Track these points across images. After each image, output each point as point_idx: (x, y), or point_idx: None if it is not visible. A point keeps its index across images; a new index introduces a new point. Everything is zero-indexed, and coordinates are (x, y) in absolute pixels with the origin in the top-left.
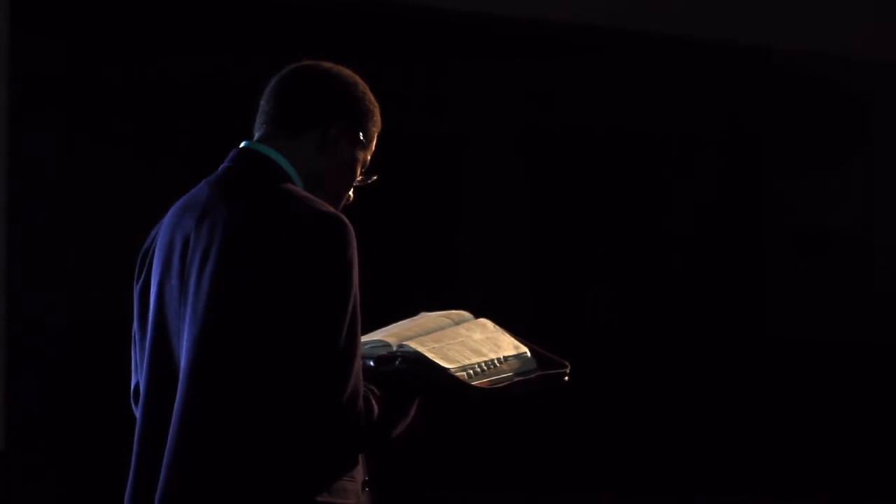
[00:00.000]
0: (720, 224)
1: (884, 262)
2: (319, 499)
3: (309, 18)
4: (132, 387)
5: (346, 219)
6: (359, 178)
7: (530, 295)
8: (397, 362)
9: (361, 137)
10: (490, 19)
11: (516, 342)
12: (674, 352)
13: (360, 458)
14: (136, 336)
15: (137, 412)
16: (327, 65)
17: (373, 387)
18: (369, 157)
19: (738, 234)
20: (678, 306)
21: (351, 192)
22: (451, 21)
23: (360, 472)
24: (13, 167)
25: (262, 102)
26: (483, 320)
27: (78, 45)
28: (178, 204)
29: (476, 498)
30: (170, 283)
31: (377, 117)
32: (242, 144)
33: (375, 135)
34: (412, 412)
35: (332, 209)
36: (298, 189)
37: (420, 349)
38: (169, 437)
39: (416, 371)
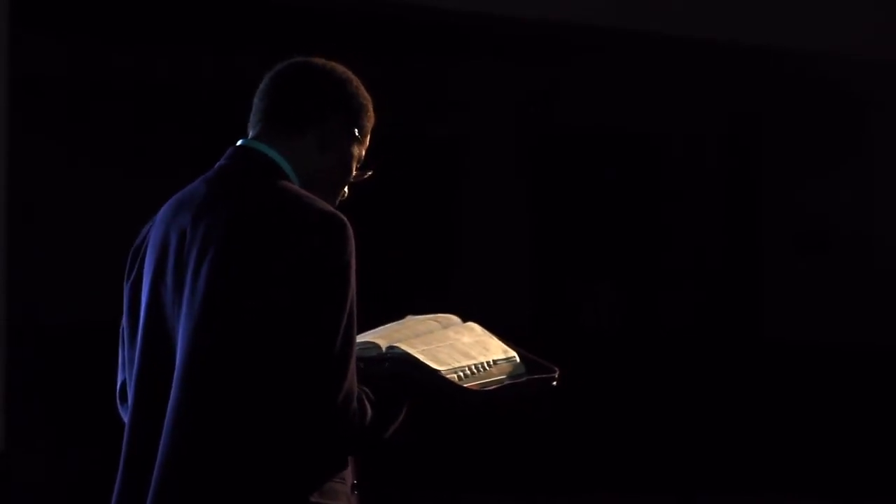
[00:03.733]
0: (720, 224)
1: (884, 262)
2: (312, 499)
3: (309, 19)
4: (118, 385)
5: (345, 218)
6: (354, 174)
7: (530, 295)
8: (387, 364)
9: (357, 133)
10: (490, 19)
11: (505, 346)
12: (674, 352)
13: (350, 461)
14: (125, 333)
15: (126, 410)
16: (320, 61)
17: (366, 388)
18: (364, 152)
19: (738, 234)
20: (678, 306)
21: (346, 188)
22: (451, 21)
23: (349, 475)
24: (13, 167)
25: (256, 100)
26: (471, 324)
27: (78, 45)
28: (172, 201)
29: (479, 500)
30: (164, 281)
31: (371, 111)
32: (239, 142)
33: (370, 129)
34: (402, 414)
35: (331, 208)
36: (296, 187)
37: (410, 351)
38: (163, 435)
39: (406, 373)
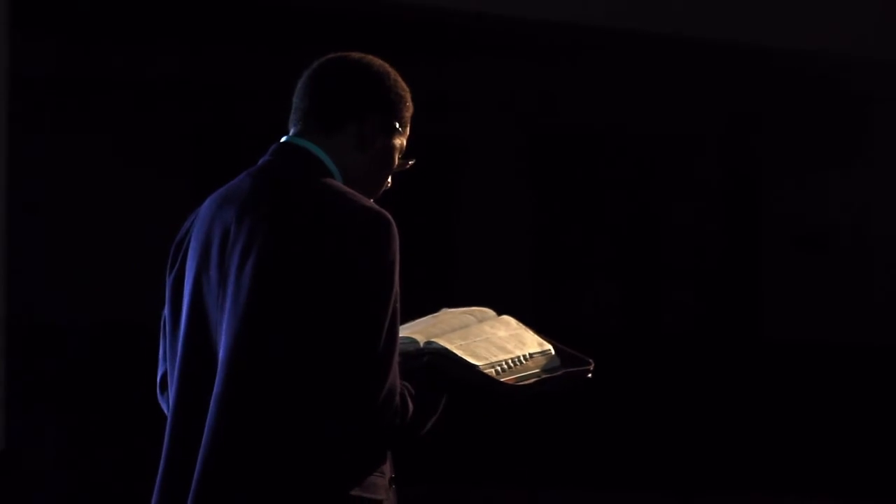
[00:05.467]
0: (720, 224)
1: (884, 262)
2: (353, 493)
3: (309, 19)
4: (159, 376)
5: (389, 216)
6: (397, 164)
7: (530, 295)
8: (425, 359)
9: (397, 125)
10: (490, 19)
11: (540, 339)
12: (673, 352)
13: (388, 455)
14: (167, 326)
15: (168, 401)
16: (356, 56)
17: (407, 384)
18: (405, 142)
19: (738, 234)
20: (678, 306)
21: (389, 179)
22: (451, 21)
23: (388, 469)
24: (13, 167)
25: (296, 99)
26: (506, 317)
27: (77, 45)
28: (215, 195)
29: (478, 495)
30: (207, 275)
31: (409, 101)
32: (283, 139)
33: (409, 118)
34: (440, 409)
35: (375, 206)
36: (340, 184)
37: (448, 346)
38: (206, 428)
39: (444, 368)
